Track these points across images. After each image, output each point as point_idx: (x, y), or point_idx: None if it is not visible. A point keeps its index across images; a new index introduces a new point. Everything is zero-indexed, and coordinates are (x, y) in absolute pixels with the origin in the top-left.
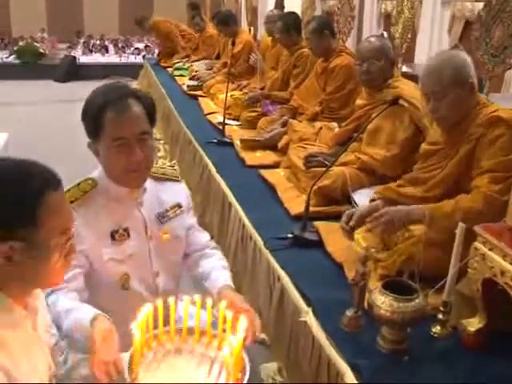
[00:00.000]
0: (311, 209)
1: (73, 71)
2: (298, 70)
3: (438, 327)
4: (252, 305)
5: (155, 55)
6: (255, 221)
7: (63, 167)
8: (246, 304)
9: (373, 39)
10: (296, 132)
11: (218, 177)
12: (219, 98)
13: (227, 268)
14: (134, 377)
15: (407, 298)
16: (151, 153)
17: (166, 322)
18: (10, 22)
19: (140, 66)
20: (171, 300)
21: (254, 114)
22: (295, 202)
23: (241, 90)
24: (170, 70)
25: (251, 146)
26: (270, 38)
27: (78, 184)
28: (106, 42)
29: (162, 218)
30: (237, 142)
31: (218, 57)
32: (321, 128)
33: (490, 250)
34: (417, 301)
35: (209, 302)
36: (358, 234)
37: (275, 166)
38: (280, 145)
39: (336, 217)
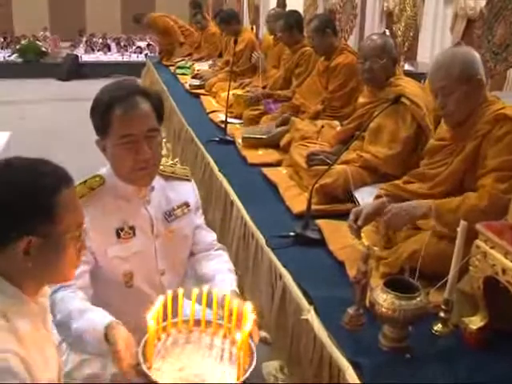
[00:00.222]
0: (313, 207)
1: (75, 70)
2: (300, 69)
3: (440, 325)
4: (254, 303)
5: (157, 54)
6: (257, 219)
7: (66, 165)
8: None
9: (375, 37)
10: (298, 130)
11: (219, 175)
12: (221, 96)
13: (233, 271)
14: (149, 366)
15: (409, 296)
16: (159, 150)
17: (174, 314)
18: (12, 20)
19: (142, 65)
20: (180, 291)
21: (256, 112)
22: (297, 200)
23: (243, 88)
24: (172, 68)
25: (253, 144)
26: (272, 36)
27: (85, 181)
28: (109, 41)
29: (169, 216)
30: (239, 141)
31: (220, 55)
32: (323, 126)
33: (491, 247)
34: (418, 299)
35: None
36: (363, 232)
37: (277, 164)
38: (282, 143)
39: (338, 215)
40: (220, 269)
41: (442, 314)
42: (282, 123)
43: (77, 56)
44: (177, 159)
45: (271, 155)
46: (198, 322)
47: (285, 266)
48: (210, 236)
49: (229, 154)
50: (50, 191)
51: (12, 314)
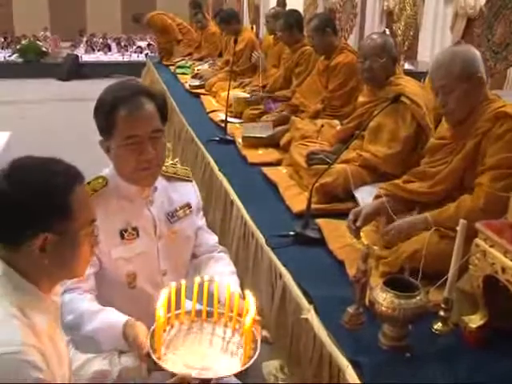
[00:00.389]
0: (313, 206)
1: (75, 70)
2: (300, 68)
3: (440, 324)
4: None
5: (157, 54)
6: (257, 218)
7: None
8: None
9: (375, 36)
10: (298, 130)
11: (220, 175)
12: (221, 95)
13: (235, 273)
14: (158, 356)
15: (408, 294)
16: (163, 151)
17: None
18: (12, 20)
19: (143, 65)
20: (183, 282)
21: (256, 111)
22: (297, 200)
23: (243, 88)
24: (172, 68)
25: (253, 143)
26: (272, 35)
27: (89, 183)
28: (109, 41)
29: (172, 217)
30: (239, 140)
31: (220, 55)
32: (323, 125)
33: (491, 246)
34: (418, 298)
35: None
36: (362, 231)
37: (277, 163)
38: (282, 142)
39: (338, 214)
40: (223, 271)
41: (441, 313)
42: (280, 122)
43: (77, 56)
44: (177, 159)
45: (271, 155)
46: (199, 313)
47: (285, 266)
48: (212, 239)
49: (229, 154)
50: (64, 189)
51: (29, 309)
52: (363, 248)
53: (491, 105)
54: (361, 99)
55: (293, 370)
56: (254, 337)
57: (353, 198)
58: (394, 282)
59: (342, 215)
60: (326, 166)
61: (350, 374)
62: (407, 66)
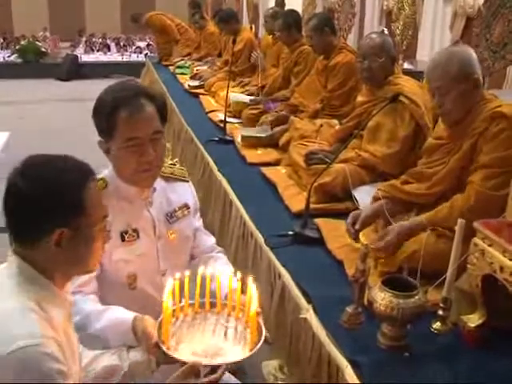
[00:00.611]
0: (312, 206)
1: (74, 70)
2: (299, 68)
3: (438, 323)
4: None
5: (156, 54)
6: (256, 218)
7: None
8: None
9: (374, 36)
10: (297, 129)
11: (219, 174)
12: (220, 95)
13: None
14: (167, 346)
15: (407, 294)
16: (163, 152)
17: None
18: (11, 20)
19: (142, 65)
20: (186, 274)
21: (255, 111)
22: (296, 200)
23: (243, 87)
24: (171, 68)
25: (252, 143)
26: (271, 35)
27: None
28: (108, 41)
29: (171, 218)
30: (238, 140)
31: (219, 55)
32: (322, 125)
33: (489, 245)
34: (417, 297)
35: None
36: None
37: (276, 163)
38: (281, 142)
39: (337, 214)
40: (223, 270)
41: (440, 312)
42: (279, 121)
43: (76, 56)
44: (176, 159)
45: (270, 154)
46: (203, 304)
47: (284, 265)
48: (210, 240)
49: (228, 154)
50: (78, 186)
51: (46, 304)
52: (362, 248)
53: (488, 105)
54: (359, 99)
55: (292, 370)
56: (259, 324)
57: (351, 198)
58: (392, 282)
59: (340, 215)
60: (325, 166)
61: (349, 373)
62: (406, 65)
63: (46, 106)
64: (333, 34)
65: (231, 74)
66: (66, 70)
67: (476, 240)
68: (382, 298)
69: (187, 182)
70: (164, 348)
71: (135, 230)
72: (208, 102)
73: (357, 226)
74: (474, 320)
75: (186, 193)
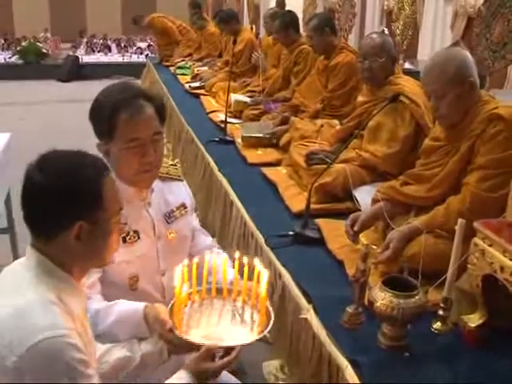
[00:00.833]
0: (312, 206)
1: (75, 71)
2: (298, 67)
3: (439, 323)
4: None
5: (157, 55)
6: (257, 218)
7: None
8: None
9: (374, 36)
10: (298, 130)
11: (219, 175)
12: (221, 96)
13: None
14: (180, 331)
15: (407, 294)
16: (162, 153)
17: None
18: (12, 21)
19: (143, 66)
20: (195, 260)
21: (255, 111)
22: (296, 200)
23: (245, 87)
24: (172, 68)
25: (253, 143)
26: (271, 36)
27: None
28: (109, 42)
29: (169, 218)
30: (238, 140)
31: (220, 55)
32: (322, 125)
33: (489, 245)
34: (417, 297)
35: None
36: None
37: (277, 163)
38: (282, 142)
39: (337, 214)
40: (224, 263)
41: (440, 312)
42: (281, 123)
43: (77, 57)
44: (177, 159)
45: (271, 155)
46: (209, 291)
47: (284, 265)
48: (208, 239)
49: (229, 154)
50: (95, 180)
51: (65, 296)
52: (362, 248)
53: (485, 106)
54: (360, 99)
55: (292, 370)
56: (267, 307)
57: (352, 198)
58: (392, 282)
59: (341, 215)
60: (326, 166)
61: (350, 373)
62: (407, 65)
63: (47, 106)
64: (333, 34)
65: (232, 75)
66: (66, 70)
67: (476, 240)
68: (382, 297)
69: (182, 181)
70: (179, 333)
71: (135, 232)
72: (209, 102)
73: (356, 228)
74: (474, 320)
75: (182, 192)
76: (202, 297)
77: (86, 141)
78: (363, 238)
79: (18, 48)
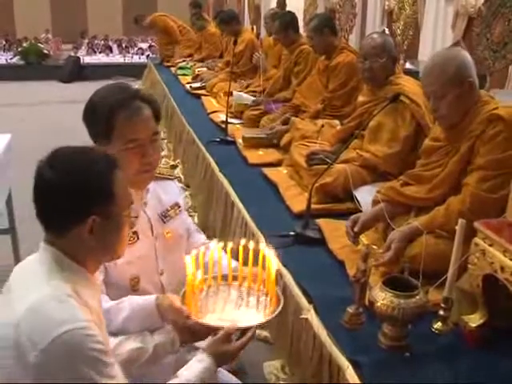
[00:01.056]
0: (313, 206)
1: (77, 72)
2: (299, 68)
3: (439, 323)
4: None
5: (159, 56)
6: (257, 219)
7: None
8: None
9: (375, 36)
10: (298, 130)
11: (220, 175)
12: (222, 96)
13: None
14: (195, 314)
15: (408, 294)
16: (160, 153)
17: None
18: (14, 22)
19: (144, 66)
20: (202, 249)
21: (256, 112)
22: (297, 200)
23: (246, 88)
24: (173, 69)
25: (254, 143)
26: (271, 36)
27: None
28: (110, 43)
29: (164, 217)
30: (239, 141)
31: (221, 56)
32: (323, 126)
33: (490, 245)
34: (417, 297)
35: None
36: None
37: (278, 164)
38: (282, 143)
39: (338, 214)
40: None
41: (441, 312)
42: (283, 124)
43: (78, 58)
44: (178, 160)
45: (272, 155)
46: (215, 278)
47: (285, 266)
48: (203, 237)
49: (229, 155)
50: (106, 174)
51: (80, 289)
52: (363, 248)
53: (485, 107)
54: (360, 99)
55: (293, 370)
56: (277, 292)
57: (353, 198)
58: (393, 282)
59: (342, 215)
60: (326, 166)
61: (350, 373)
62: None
63: (48, 107)
64: (333, 34)
65: (233, 75)
66: (68, 71)
67: (477, 240)
68: (382, 298)
69: (173, 179)
70: (197, 319)
71: (135, 232)
72: (209, 102)
73: (356, 229)
74: (474, 320)
75: (174, 191)
76: (209, 284)
77: (87, 142)
78: (364, 238)
79: (20, 49)
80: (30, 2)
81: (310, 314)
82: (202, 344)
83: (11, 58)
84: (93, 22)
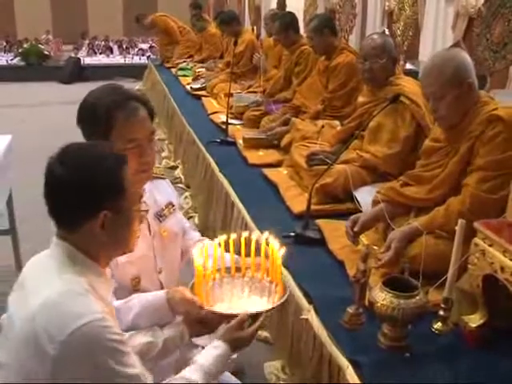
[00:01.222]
0: (313, 207)
1: (77, 73)
2: (299, 68)
3: (439, 324)
4: None
5: (159, 56)
6: (257, 219)
7: None
8: None
9: (375, 37)
10: (298, 130)
11: (220, 176)
12: (222, 97)
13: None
14: (207, 303)
15: (408, 294)
16: (155, 153)
17: None
18: (14, 23)
19: (144, 67)
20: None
21: (256, 112)
22: (297, 201)
23: (247, 88)
24: (173, 70)
25: (254, 144)
26: (271, 37)
27: None
28: (111, 43)
29: (160, 216)
30: (239, 141)
31: (221, 56)
32: (323, 126)
33: (489, 245)
34: (417, 297)
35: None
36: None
37: (278, 164)
38: (283, 143)
39: (338, 215)
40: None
41: (441, 313)
42: (283, 125)
43: (79, 59)
44: (178, 161)
45: (272, 156)
46: (219, 270)
47: (285, 266)
48: (198, 235)
49: (230, 155)
50: (116, 170)
51: (94, 283)
52: (363, 248)
53: (484, 107)
54: (360, 99)
55: (293, 370)
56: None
57: (353, 199)
58: (393, 282)
59: (342, 216)
60: (326, 167)
61: (350, 373)
62: (408, 65)
63: (49, 108)
64: (333, 34)
65: (233, 76)
66: (68, 72)
67: (476, 240)
68: (382, 298)
69: (164, 179)
70: (209, 308)
71: None
72: (210, 103)
73: (356, 229)
74: (474, 320)
75: (167, 190)
76: (213, 277)
77: None
78: (364, 239)
79: (20, 50)
80: (30, 2)
81: (310, 315)
82: (201, 340)
83: (12, 59)
84: (93, 22)
